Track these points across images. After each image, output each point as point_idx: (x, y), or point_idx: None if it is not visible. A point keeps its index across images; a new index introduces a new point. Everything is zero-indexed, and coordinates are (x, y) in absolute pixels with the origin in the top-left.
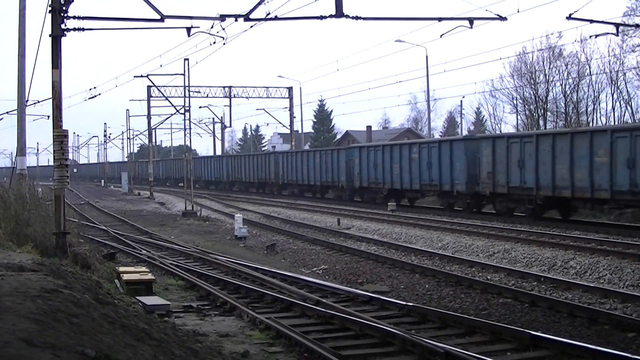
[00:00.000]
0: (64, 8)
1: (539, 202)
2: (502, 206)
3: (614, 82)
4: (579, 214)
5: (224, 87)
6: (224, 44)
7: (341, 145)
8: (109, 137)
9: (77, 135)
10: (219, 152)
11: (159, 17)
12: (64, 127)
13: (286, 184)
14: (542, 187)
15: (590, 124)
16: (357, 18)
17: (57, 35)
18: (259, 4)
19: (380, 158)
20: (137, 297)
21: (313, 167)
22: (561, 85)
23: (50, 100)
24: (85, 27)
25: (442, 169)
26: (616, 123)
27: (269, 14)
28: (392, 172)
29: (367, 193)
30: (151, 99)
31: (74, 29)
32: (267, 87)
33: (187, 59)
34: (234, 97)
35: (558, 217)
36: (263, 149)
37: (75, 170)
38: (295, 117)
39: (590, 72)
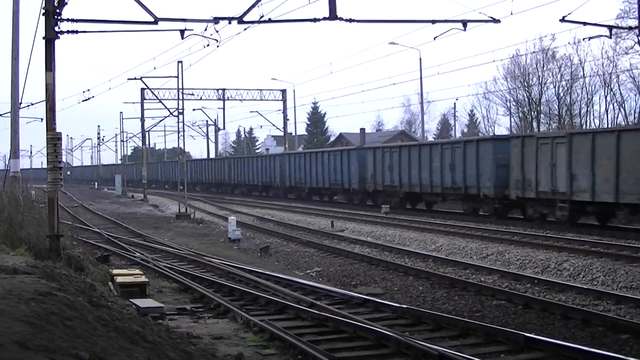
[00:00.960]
0: (57, 11)
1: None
2: (533, 211)
3: (607, 85)
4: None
5: (217, 90)
6: (218, 46)
7: (335, 147)
8: (103, 139)
9: (71, 137)
10: (212, 155)
11: (152, 19)
12: (57, 130)
13: (293, 188)
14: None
15: (584, 126)
16: (350, 21)
17: (50, 38)
18: (252, 6)
19: (396, 159)
20: (131, 300)
21: (322, 169)
22: (554, 87)
23: (44, 102)
24: (79, 30)
25: (467, 171)
26: (609, 125)
27: (263, 16)
28: (410, 175)
29: (382, 196)
30: (145, 101)
31: (68, 32)
32: (260, 90)
33: (181, 62)
34: (228, 99)
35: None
36: (256, 151)
37: (68, 172)
38: (288, 119)
39: (583, 74)
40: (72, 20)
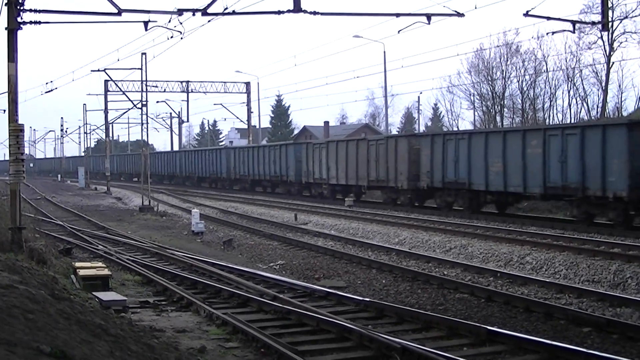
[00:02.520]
0: (20, 1)
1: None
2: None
3: (570, 79)
4: (537, 210)
5: (181, 82)
6: (182, 38)
7: (299, 140)
8: (66, 131)
9: (34, 129)
10: (176, 147)
11: (116, 11)
12: (19, 122)
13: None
14: None
15: (547, 120)
16: (315, 13)
17: (13, 29)
18: None
19: (465, 149)
20: (94, 293)
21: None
22: (518, 81)
23: (6, 94)
24: (42, 21)
25: (586, 165)
26: (572, 120)
27: (227, 8)
28: (487, 170)
29: (442, 196)
30: (108, 93)
31: (31, 22)
32: (224, 82)
33: (145, 54)
34: (192, 92)
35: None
36: (220, 144)
37: (31, 164)
38: (252, 112)
39: (547, 69)
40: (35, 11)
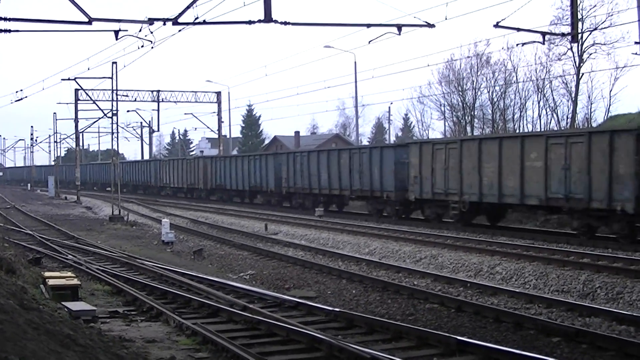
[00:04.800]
0: None
1: None
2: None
3: (540, 90)
4: (507, 220)
5: (152, 91)
6: (152, 47)
7: (270, 150)
8: (36, 140)
9: (4, 138)
10: (147, 157)
11: (87, 19)
12: None
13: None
14: None
15: (517, 130)
16: (285, 23)
17: None
18: (187, 7)
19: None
20: (63, 303)
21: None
22: (488, 92)
23: None
24: (12, 29)
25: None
26: (543, 129)
27: (198, 18)
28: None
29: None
30: (79, 102)
31: (1, 31)
32: (195, 92)
33: (115, 63)
34: (162, 101)
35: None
36: (191, 153)
37: (0, 173)
38: (223, 122)
39: (517, 79)
40: (5, 19)
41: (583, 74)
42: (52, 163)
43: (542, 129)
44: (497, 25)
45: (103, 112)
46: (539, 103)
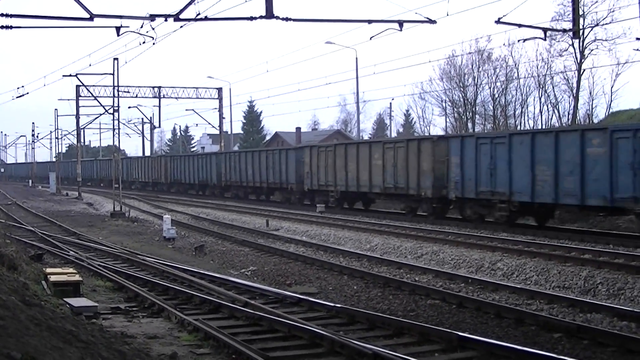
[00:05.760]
0: None
1: None
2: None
3: (541, 86)
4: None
5: (153, 88)
6: (154, 43)
7: (271, 146)
8: (37, 136)
9: (5, 134)
10: (148, 153)
11: (88, 16)
12: None
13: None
14: None
15: (518, 127)
16: (287, 19)
17: None
18: (189, 4)
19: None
20: (65, 299)
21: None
22: (490, 88)
23: None
24: (13, 25)
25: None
26: (543, 126)
27: (199, 14)
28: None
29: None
30: (80, 98)
31: (2, 27)
32: (196, 88)
33: (117, 59)
34: (164, 97)
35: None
36: (192, 149)
37: (2, 170)
38: (224, 118)
39: (518, 75)
40: (6, 15)
41: (584, 70)
42: (53, 159)
43: (543, 125)
44: (498, 22)
45: (104, 108)
46: (540, 99)
